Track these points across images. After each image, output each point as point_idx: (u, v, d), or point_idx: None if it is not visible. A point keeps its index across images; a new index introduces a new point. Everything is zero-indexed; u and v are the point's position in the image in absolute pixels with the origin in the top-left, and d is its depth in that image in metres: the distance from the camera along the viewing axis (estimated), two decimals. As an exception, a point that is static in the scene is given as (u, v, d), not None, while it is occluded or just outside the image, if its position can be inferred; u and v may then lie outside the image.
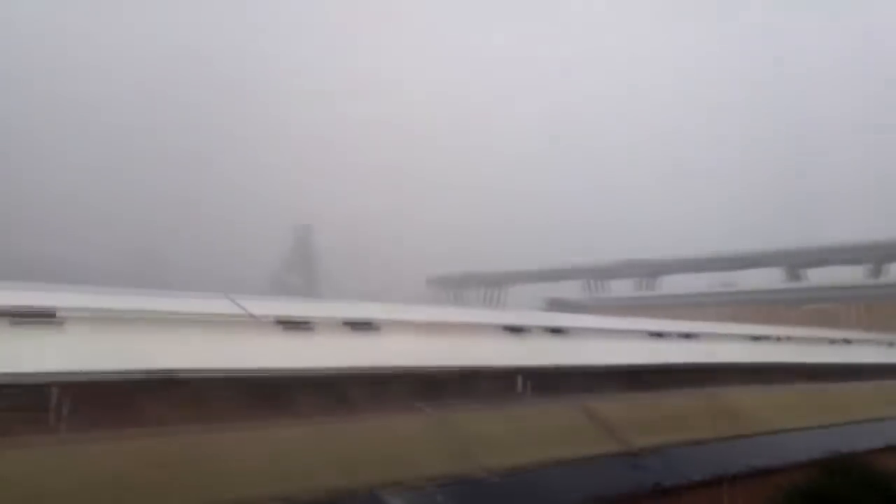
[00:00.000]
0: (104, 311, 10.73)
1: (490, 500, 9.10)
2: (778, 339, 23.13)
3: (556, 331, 16.80)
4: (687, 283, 72.64)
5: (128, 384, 9.11)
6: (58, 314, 10.12)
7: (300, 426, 9.40)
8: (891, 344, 27.96)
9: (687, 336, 19.56)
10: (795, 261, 74.86)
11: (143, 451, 7.82)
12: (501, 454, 10.08)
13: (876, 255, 69.31)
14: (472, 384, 12.81)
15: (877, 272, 67.67)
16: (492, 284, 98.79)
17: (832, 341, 25.59)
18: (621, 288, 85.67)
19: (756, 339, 22.17)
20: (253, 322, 12.08)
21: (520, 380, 13.37)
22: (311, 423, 9.57)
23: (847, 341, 26.33)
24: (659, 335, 18.87)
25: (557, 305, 58.40)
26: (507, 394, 13.09)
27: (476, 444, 10.19)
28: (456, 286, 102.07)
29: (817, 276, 70.68)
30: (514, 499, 9.26)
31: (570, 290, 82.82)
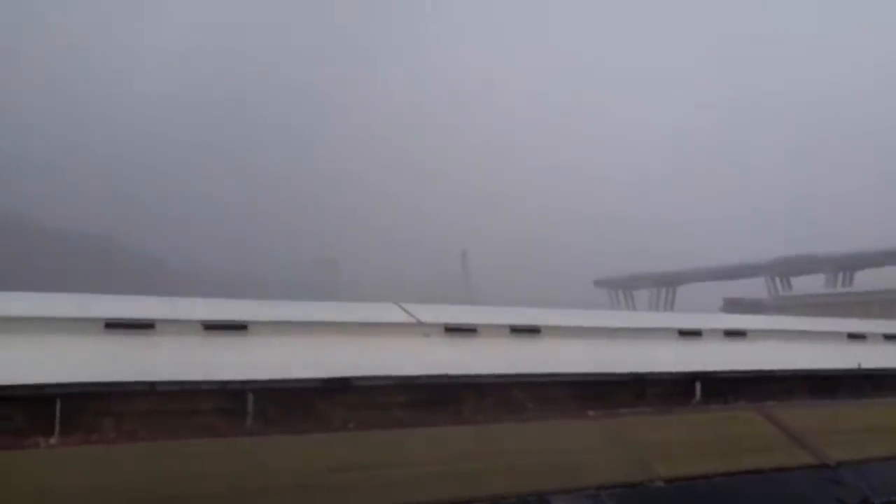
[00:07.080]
0: (288, 322, 11.66)
1: (667, 512, 8.67)
2: None
3: (735, 333, 15.81)
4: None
5: (309, 390, 9.78)
6: (249, 327, 11.16)
7: (469, 431, 9.53)
8: None
9: (892, 338, 17.52)
10: None
11: (321, 450, 8.32)
12: (678, 462, 9.57)
13: None
14: (645, 390, 12.32)
15: None
16: (662, 284, 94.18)
17: None
18: (809, 285, 77.77)
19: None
20: (421, 328, 12.50)
21: (696, 385, 12.67)
22: (480, 427, 9.67)
23: None
24: (860, 337, 17.10)
25: (735, 306, 54.72)
26: (683, 400, 12.45)
27: (650, 451, 9.75)
28: (625, 287, 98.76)
29: None
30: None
31: (749, 288, 76.79)
